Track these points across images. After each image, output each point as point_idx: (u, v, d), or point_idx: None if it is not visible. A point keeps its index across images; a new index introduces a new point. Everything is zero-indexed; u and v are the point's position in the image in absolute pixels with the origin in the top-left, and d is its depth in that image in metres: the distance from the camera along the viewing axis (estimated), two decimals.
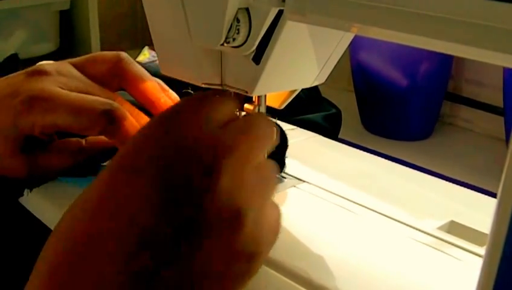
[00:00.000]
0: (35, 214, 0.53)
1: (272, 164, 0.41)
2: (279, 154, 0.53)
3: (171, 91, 0.57)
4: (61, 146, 0.54)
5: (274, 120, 0.53)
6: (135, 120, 0.51)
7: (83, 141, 0.54)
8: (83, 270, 0.33)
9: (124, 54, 0.56)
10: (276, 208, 0.41)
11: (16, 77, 0.52)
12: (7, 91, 0.51)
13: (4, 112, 0.50)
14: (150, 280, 0.32)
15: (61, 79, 0.52)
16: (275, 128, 0.42)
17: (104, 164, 0.54)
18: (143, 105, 0.55)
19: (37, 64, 0.53)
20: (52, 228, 0.50)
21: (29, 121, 0.50)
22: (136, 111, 0.54)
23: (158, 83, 0.56)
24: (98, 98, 0.51)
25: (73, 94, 0.51)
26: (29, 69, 0.53)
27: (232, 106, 0.42)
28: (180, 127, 0.37)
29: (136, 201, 0.34)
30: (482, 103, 1.15)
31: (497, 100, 1.08)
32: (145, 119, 0.53)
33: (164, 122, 0.38)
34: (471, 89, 1.17)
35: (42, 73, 0.52)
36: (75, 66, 0.55)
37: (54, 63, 0.54)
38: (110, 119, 0.49)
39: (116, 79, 0.55)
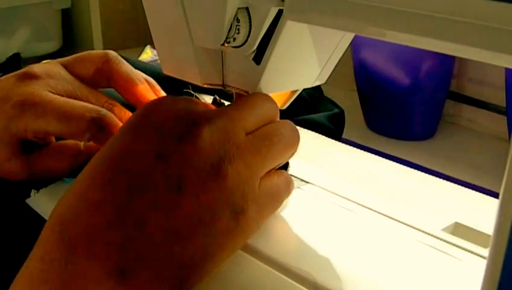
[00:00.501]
0: (42, 215, 0.53)
1: (278, 129, 0.43)
2: None
3: (162, 92, 0.57)
4: (58, 149, 0.54)
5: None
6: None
7: (81, 144, 0.54)
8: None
9: (111, 54, 0.56)
10: (280, 176, 0.44)
11: (6, 81, 0.53)
12: (0, 93, 0.51)
13: None
14: (137, 225, 0.35)
15: (51, 82, 0.52)
16: (274, 104, 0.45)
17: None
18: (132, 105, 0.55)
19: (27, 66, 0.53)
20: None
21: (21, 126, 0.50)
22: (127, 113, 0.54)
23: (150, 83, 0.56)
24: (87, 105, 0.51)
25: (62, 100, 0.51)
26: (19, 72, 0.53)
27: None
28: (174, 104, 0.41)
29: (129, 156, 0.37)
30: (485, 102, 1.14)
31: (500, 99, 1.07)
32: None
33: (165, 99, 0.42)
34: (474, 88, 1.17)
35: (32, 76, 0.52)
36: (64, 66, 0.55)
37: (43, 65, 0.54)
38: (99, 127, 0.50)
39: (105, 79, 0.55)
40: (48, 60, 0.56)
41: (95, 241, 0.34)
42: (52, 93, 0.51)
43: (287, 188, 0.45)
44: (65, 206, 0.37)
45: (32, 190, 0.53)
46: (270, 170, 0.43)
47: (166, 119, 0.39)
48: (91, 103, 0.52)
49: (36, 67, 0.53)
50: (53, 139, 0.55)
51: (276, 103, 0.45)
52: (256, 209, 0.40)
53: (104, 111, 0.51)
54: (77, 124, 0.49)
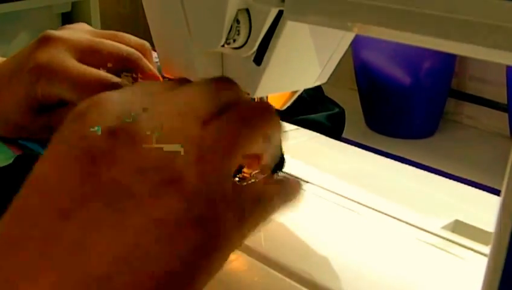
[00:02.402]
0: None
1: (241, 112, 0.35)
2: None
3: None
4: None
5: None
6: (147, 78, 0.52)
7: None
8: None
9: (147, 45, 0.56)
10: (272, 182, 0.38)
11: (29, 46, 0.53)
12: (19, 61, 0.53)
13: (17, 82, 0.52)
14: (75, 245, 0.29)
15: (70, 41, 0.52)
16: (233, 85, 0.38)
17: None
18: None
19: (44, 32, 0.54)
20: None
21: (38, 91, 0.51)
22: (147, 63, 0.53)
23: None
24: (101, 75, 0.51)
25: (78, 67, 0.51)
26: (40, 35, 0.53)
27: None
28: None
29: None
30: (486, 100, 1.15)
31: (501, 96, 1.07)
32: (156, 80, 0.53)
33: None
34: (475, 86, 1.17)
35: (50, 40, 0.52)
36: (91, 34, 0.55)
37: (65, 30, 0.54)
38: None
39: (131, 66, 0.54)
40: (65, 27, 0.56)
41: None
42: (72, 54, 0.51)
43: (282, 196, 0.37)
44: None
45: None
46: (264, 174, 0.37)
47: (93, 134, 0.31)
48: (112, 55, 0.52)
49: (54, 31, 0.53)
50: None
51: (236, 84, 0.38)
52: (233, 215, 0.32)
53: (117, 81, 0.50)
54: (90, 95, 0.49)
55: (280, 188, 0.38)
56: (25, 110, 0.53)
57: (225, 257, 0.33)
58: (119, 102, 0.33)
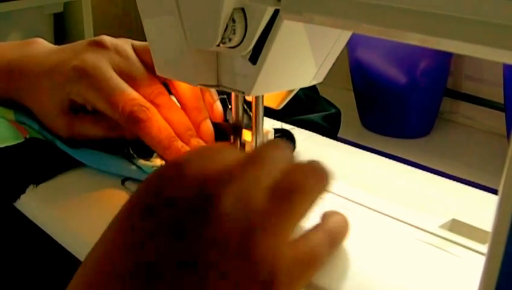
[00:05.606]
0: (30, 217, 0.53)
1: (298, 180, 0.37)
2: None
3: (217, 103, 0.57)
4: (99, 118, 0.57)
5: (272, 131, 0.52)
6: (168, 113, 0.54)
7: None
8: None
9: None
10: (319, 233, 0.39)
11: (79, 45, 0.57)
12: (67, 56, 0.56)
13: (59, 73, 0.55)
14: None
15: (115, 57, 0.55)
16: (286, 150, 0.40)
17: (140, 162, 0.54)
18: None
19: (100, 36, 0.57)
20: (46, 231, 0.50)
21: (75, 89, 0.54)
22: (172, 102, 0.55)
23: (210, 93, 0.57)
24: (134, 97, 0.53)
25: (117, 82, 0.54)
26: (92, 38, 0.57)
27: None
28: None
29: (145, 242, 0.33)
30: (482, 99, 1.15)
31: (498, 96, 1.08)
32: (178, 115, 0.55)
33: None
34: (471, 85, 1.17)
35: (100, 45, 0.56)
36: (134, 48, 0.58)
37: (115, 40, 0.57)
38: (134, 121, 0.52)
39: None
40: (113, 38, 0.58)
41: None
42: (113, 68, 0.54)
43: (330, 244, 0.39)
44: None
45: (31, 185, 0.54)
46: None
47: (177, 195, 0.34)
48: (143, 87, 0.55)
49: (108, 39, 0.56)
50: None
51: (289, 147, 0.41)
52: (288, 281, 0.35)
53: (146, 105, 0.53)
54: (119, 112, 0.53)
55: (325, 236, 0.39)
56: (55, 100, 0.56)
57: None
58: (199, 172, 0.35)
